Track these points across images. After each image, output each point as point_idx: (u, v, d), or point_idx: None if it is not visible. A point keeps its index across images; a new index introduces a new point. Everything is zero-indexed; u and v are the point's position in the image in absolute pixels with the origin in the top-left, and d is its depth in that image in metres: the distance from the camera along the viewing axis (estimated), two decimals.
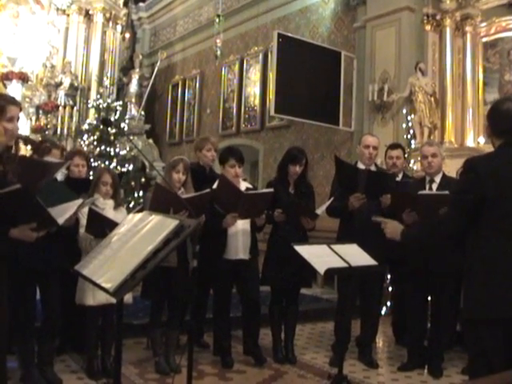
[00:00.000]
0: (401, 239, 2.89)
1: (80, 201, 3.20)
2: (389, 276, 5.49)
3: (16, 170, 2.64)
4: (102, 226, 3.50)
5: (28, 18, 10.71)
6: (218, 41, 9.60)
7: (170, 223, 2.23)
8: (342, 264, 3.39)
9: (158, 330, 4.10)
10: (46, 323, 3.68)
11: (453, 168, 5.31)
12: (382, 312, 5.75)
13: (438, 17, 7.51)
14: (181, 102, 12.36)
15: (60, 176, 4.21)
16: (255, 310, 4.32)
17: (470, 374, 2.73)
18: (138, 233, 2.33)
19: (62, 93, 10.59)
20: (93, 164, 8.08)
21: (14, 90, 9.86)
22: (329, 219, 4.58)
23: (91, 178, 4.50)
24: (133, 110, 11.91)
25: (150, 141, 11.84)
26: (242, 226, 4.19)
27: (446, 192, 3.82)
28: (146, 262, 2.09)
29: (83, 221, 3.71)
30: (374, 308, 4.59)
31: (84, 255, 3.46)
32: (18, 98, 8.98)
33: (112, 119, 9.60)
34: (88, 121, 10.29)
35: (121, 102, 10.79)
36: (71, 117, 10.70)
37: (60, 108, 10.56)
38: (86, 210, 3.64)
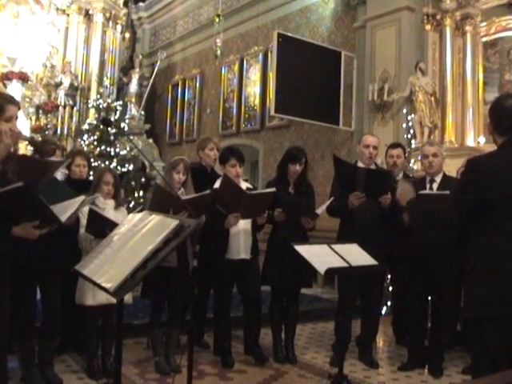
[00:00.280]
0: (406, 206, 2.96)
1: (82, 197, 3.20)
2: (389, 276, 5.49)
3: (15, 168, 2.64)
4: (102, 226, 3.50)
5: (28, 17, 10.71)
6: (218, 40, 9.60)
7: (170, 223, 2.23)
8: (343, 264, 3.39)
9: (158, 329, 4.10)
10: (47, 323, 3.68)
11: (453, 168, 5.30)
12: (383, 312, 5.75)
13: (438, 16, 7.51)
14: (181, 102, 12.36)
15: (60, 176, 4.20)
16: (257, 309, 4.32)
17: (472, 372, 2.73)
18: (138, 233, 2.33)
19: (61, 93, 10.60)
20: (93, 164, 8.07)
21: (14, 89, 9.86)
22: (329, 219, 4.58)
23: (91, 178, 4.48)
24: (133, 110, 11.91)
25: (150, 141, 11.84)
26: (244, 225, 4.18)
27: (447, 192, 3.82)
28: (146, 262, 2.09)
29: (83, 220, 3.71)
30: (374, 308, 4.58)
31: (84, 255, 3.46)
32: (18, 97, 8.98)
33: (112, 119, 9.60)
34: (88, 121, 10.30)
35: (121, 102, 10.81)
36: (71, 117, 10.70)
37: (60, 108, 10.56)
38: (86, 209, 3.65)
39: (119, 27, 11.73)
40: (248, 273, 4.23)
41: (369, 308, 4.53)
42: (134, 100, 12.14)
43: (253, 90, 10.37)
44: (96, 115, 10.19)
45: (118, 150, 9.60)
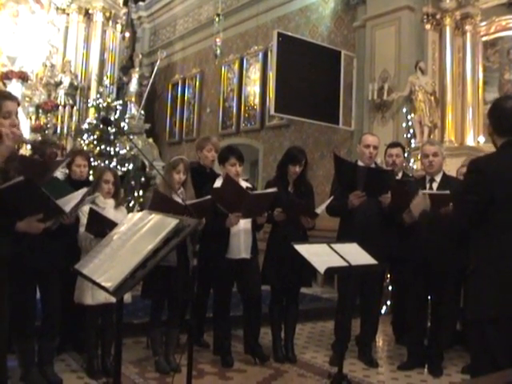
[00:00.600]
0: (418, 218, 2.98)
1: (85, 190, 3.21)
2: (389, 275, 5.49)
3: (17, 168, 2.64)
4: (102, 226, 3.51)
5: (28, 17, 10.70)
6: (217, 40, 9.60)
7: (170, 222, 2.23)
8: (342, 263, 3.39)
9: (157, 329, 4.10)
10: (46, 322, 3.68)
11: (453, 167, 5.31)
12: (382, 311, 5.75)
13: (437, 16, 7.51)
14: (181, 101, 12.37)
15: (60, 175, 4.21)
16: (256, 308, 4.32)
17: (472, 372, 2.73)
18: (138, 232, 2.33)
19: (61, 92, 10.59)
20: (93, 163, 8.07)
21: (14, 89, 9.82)
22: (329, 218, 4.58)
23: (91, 178, 4.48)
24: (133, 109, 11.91)
25: (150, 140, 11.84)
26: (244, 225, 4.18)
27: (447, 191, 3.82)
28: (146, 261, 2.09)
29: (83, 220, 3.72)
30: (373, 307, 4.58)
31: (84, 254, 3.46)
32: (18, 97, 8.96)
33: (112, 118, 9.60)
34: (88, 120, 10.29)
35: (121, 101, 10.79)
36: (71, 116, 10.69)
37: (60, 107, 10.55)
38: (86, 208, 3.65)
39: (119, 26, 11.72)
40: (248, 272, 4.23)
41: (368, 307, 4.53)
42: (133, 99, 12.14)
43: (253, 89, 10.37)
44: (96, 114, 10.18)
45: (117, 149, 9.60)
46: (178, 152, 11.09)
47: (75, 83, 10.72)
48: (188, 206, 3.24)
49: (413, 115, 7.26)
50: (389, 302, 5.95)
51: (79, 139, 9.96)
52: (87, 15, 11.16)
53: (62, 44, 11.07)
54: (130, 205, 8.35)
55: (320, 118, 8.05)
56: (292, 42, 7.87)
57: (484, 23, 7.41)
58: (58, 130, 10.45)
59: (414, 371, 4.25)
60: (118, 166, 9.18)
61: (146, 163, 9.79)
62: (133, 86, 12.29)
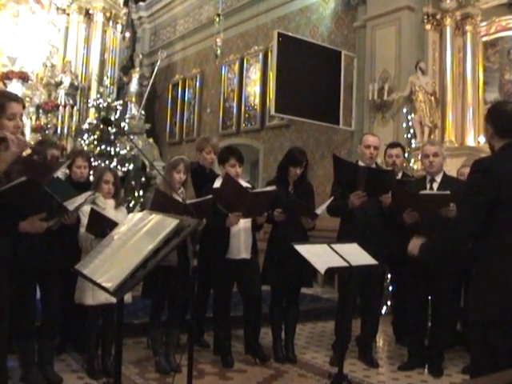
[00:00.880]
0: (419, 254, 2.91)
1: (88, 193, 3.23)
2: (389, 275, 5.48)
3: (19, 169, 2.64)
4: (102, 226, 3.51)
5: (28, 17, 10.70)
6: (218, 40, 9.60)
7: (170, 222, 2.23)
8: (343, 263, 3.39)
9: (158, 329, 4.10)
10: (46, 322, 3.68)
11: (453, 167, 5.31)
12: (383, 311, 5.75)
13: (438, 16, 7.51)
14: (181, 102, 12.37)
15: (60, 177, 4.20)
16: (257, 308, 4.32)
17: (472, 373, 2.72)
18: (139, 232, 2.33)
19: (62, 92, 10.59)
20: (93, 163, 8.07)
21: (15, 89, 9.82)
22: (329, 219, 4.58)
23: (91, 178, 4.48)
24: (133, 110, 11.91)
25: (151, 140, 11.83)
26: (244, 224, 4.18)
27: (447, 192, 3.82)
28: (147, 262, 2.09)
29: (84, 220, 3.72)
30: (374, 307, 4.58)
31: (84, 254, 3.46)
32: None
33: (112, 118, 9.59)
34: (88, 120, 10.29)
35: (121, 102, 10.79)
36: (71, 116, 10.69)
37: (60, 107, 10.55)
38: (87, 209, 3.65)
39: (119, 27, 11.71)
40: (248, 272, 4.23)
41: (369, 307, 4.53)
42: (134, 99, 12.14)
43: (253, 89, 10.37)
44: (96, 115, 10.18)
45: (118, 149, 9.59)
46: (179, 152, 11.09)
47: (75, 83, 10.71)
48: (188, 206, 3.24)
49: (413, 115, 7.26)
50: (389, 303, 5.95)
51: (79, 139, 9.96)
52: (87, 15, 11.16)
53: (63, 44, 11.07)
54: (131, 205, 8.34)
55: (320, 119, 8.04)
56: (292, 42, 7.87)
57: (484, 23, 7.40)
58: (59, 131, 10.44)
59: (415, 371, 4.26)
60: (119, 166, 9.18)
61: (147, 163, 9.79)
62: (133, 86, 12.29)
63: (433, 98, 7.27)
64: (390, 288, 5.73)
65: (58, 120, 10.50)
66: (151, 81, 11.65)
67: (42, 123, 10.29)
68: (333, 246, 3.53)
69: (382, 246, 4.13)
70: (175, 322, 4.12)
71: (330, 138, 8.77)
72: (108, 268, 2.22)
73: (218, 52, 9.66)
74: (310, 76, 7.78)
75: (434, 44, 7.59)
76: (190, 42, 12.37)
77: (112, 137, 9.68)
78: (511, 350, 2.36)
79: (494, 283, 2.40)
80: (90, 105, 10.58)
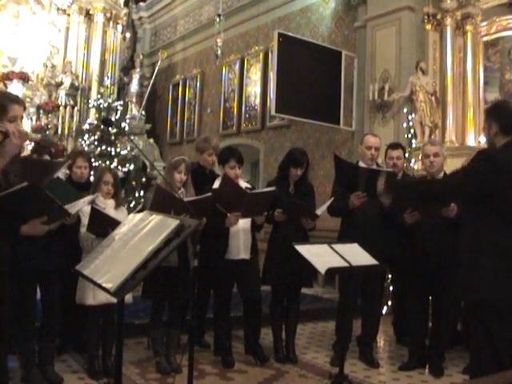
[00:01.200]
0: (392, 186, 3.02)
1: (90, 197, 3.24)
2: (389, 275, 5.48)
3: (17, 170, 2.64)
4: (104, 225, 3.50)
5: (28, 17, 10.71)
6: (218, 40, 9.60)
7: (171, 223, 2.23)
8: (343, 263, 3.39)
9: (158, 329, 4.10)
10: (46, 323, 3.68)
11: (454, 167, 5.29)
12: (383, 311, 5.75)
13: (438, 16, 7.50)
14: (181, 102, 12.36)
15: (61, 176, 4.20)
16: (257, 308, 4.32)
17: (473, 368, 2.73)
18: (139, 233, 2.33)
19: (62, 92, 10.59)
20: (94, 164, 8.08)
21: (15, 89, 9.83)
22: (330, 219, 4.58)
23: (91, 179, 4.48)
24: (133, 110, 11.90)
25: (151, 140, 11.83)
26: (243, 225, 4.18)
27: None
28: (147, 262, 2.09)
29: (85, 220, 3.72)
30: (374, 307, 4.58)
31: (85, 255, 3.46)
32: None
33: (113, 119, 9.60)
34: (89, 120, 10.30)
35: (121, 102, 10.79)
36: (72, 117, 10.69)
37: (61, 108, 10.56)
38: (87, 209, 3.65)
39: (120, 27, 11.72)
40: (248, 272, 4.23)
41: (369, 308, 4.53)
42: (134, 100, 12.12)
43: (253, 89, 10.37)
44: (96, 115, 10.18)
45: (118, 149, 9.60)
46: (179, 152, 11.08)
47: (76, 84, 10.72)
48: (186, 204, 3.24)
49: (413, 115, 7.25)
50: (390, 303, 5.95)
51: (80, 140, 9.97)
52: (88, 16, 11.16)
53: (63, 45, 11.08)
54: (131, 205, 8.34)
55: (321, 119, 8.04)
56: (293, 42, 7.87)
57: (485, 23, 7.39)
58: (59, 131, 10.45)
59: (415, 371, 4.26)
60: (119, 167, 9.18)
61: (147, 164, 9.79)
62: (133, 87, 12.28)
63: (433, 98, 7.26)
64: (391, 288, 5.73)
65: (58, 120, 10.51)
66: (152, 81, 11.65)
67: (43, 124, 10.30)
68: (333, 246, 3.53)
69: (382, 246, 4.13)
70: (176, 322, 4.12)
71: (331, 138, 8.77)
72: (108, 268, 2.22)
73: (219, 52, 9.65)
74: (311, 76, 7.78)
75: (434, 44, 7.58)
76: (191, 43, 12.37)
77: (112, 137, 9.68)
78: (510, 339, 2.38)
79: (493, 269, 2.45)
80: (90, 105, 10.58)
